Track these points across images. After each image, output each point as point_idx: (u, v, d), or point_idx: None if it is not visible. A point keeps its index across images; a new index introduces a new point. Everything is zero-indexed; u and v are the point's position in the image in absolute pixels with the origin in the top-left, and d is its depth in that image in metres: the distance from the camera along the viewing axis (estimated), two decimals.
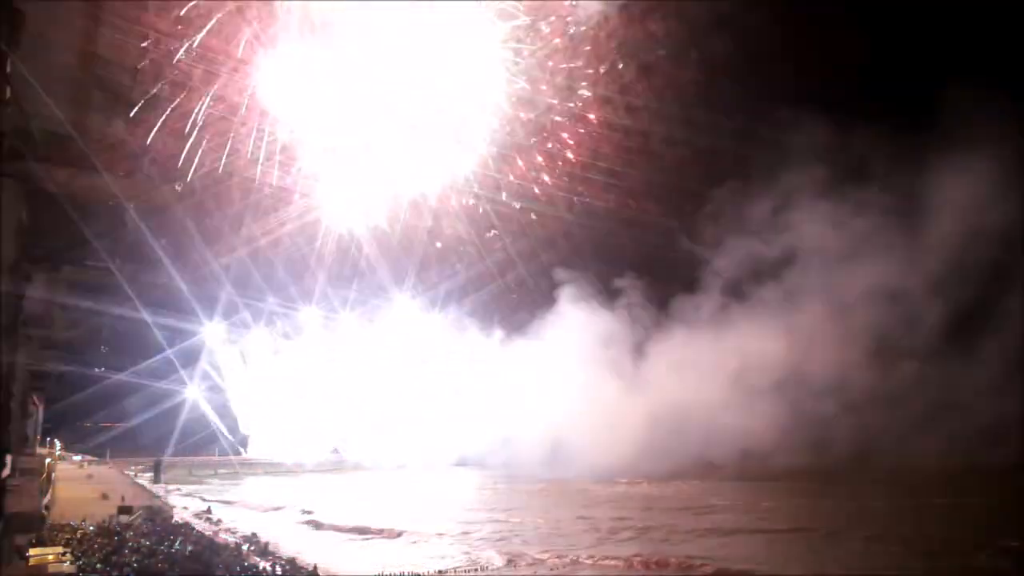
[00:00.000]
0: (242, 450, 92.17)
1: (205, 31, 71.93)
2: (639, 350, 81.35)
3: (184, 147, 74.61)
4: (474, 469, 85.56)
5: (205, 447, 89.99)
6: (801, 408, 68.97)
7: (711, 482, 66.68)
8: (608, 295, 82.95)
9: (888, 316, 68.68)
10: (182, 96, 72.90)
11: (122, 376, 74.94)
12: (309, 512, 54.15)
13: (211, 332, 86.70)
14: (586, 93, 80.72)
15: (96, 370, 68.33)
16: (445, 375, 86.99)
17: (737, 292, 76.96)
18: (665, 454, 71.69)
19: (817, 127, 65.68)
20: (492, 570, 36.79)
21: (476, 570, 36.65)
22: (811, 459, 66.35)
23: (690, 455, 72.05)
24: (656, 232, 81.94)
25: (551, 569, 36.56)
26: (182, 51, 71.21)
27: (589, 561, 37.38)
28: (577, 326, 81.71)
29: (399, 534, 45.39)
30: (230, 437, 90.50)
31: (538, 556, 38.38)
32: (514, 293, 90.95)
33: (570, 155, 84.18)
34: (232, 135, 77.03)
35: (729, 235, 75.77)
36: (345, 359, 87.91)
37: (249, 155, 78.07)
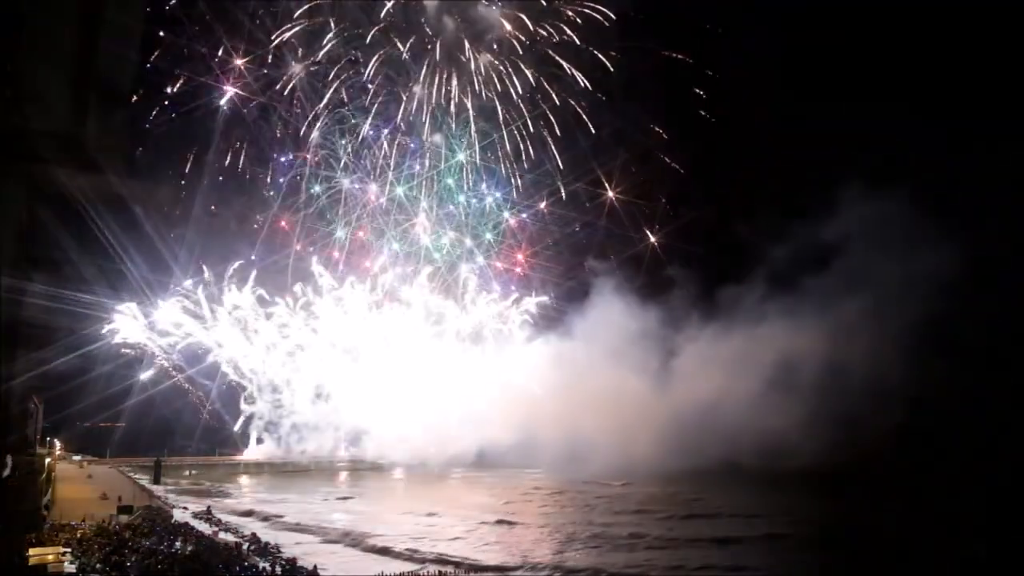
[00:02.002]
0: (254, 449, 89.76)
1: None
2: (668, 345, 79.71)
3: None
4: (489, 469, 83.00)
5: (212, 447, 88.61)
6: (832, 407, 66.56)
7: (724, 484, 65.05)
8: (641, 286, 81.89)
9: (934, 310, 64.36)
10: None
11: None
12: (279, 516, 53.75)
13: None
14: None
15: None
16: (466, 371, 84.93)
17: (776, 285, 74.36)
18: (686, 454, 69.80)
19: (875, 107, 64.54)
20: (491, 570, 37.01)
21: (476, 570, 36.81)
22: (839, 459, 63.60)
23: (714, 455, 69.44)
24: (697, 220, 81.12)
25: None
26: None
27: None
28: (605, 320, 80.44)
29: (358, 543, 44.69)
30: (238, 436, 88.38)
31: (485, 564, 38.19)
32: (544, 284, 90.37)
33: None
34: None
35: (774, 225, 73.00)
36: (363, 356, 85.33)
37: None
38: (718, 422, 70.85)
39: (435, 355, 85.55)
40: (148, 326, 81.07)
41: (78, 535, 38.40)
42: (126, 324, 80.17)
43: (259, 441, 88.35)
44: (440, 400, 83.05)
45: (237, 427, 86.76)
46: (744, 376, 73.92)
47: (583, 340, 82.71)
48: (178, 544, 36.91)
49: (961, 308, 61.77)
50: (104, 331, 77.68)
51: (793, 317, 73.16)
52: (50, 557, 29.36)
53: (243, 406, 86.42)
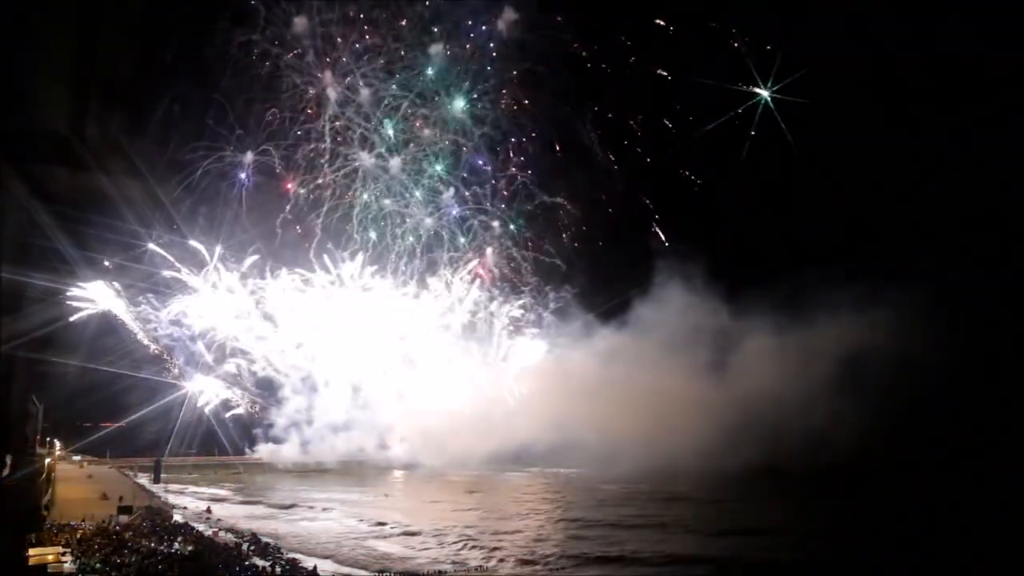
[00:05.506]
0: (276, 449, 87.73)
1: None
2: (724, 339, 75.01)
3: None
4: (522, 469, 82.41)
5: (227, 447, 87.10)
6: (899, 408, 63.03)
7: (737, 485, 64.15)
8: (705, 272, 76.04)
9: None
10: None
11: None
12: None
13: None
14: None
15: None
16: (501, 369, 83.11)
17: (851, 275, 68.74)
18: (721, 455, 67.64)
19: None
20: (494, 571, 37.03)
21: (477, 570, 36.86)
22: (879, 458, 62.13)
23: (754, 455, 67.01)
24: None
25: None
26: None
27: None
28: (659, 312, 77.01)
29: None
30: (255, 436, 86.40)
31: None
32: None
33: None
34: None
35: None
36: (395, 353, 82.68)
37: None
38: (761, 424, 67.47)
39: (470, 351, 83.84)
40: (153, 323, 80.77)
41: (78, 535, 38.41)
42: (129, 323, 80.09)
43: (280, 441, 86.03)
44: (475, 398, 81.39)
45: (258, 426, 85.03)
46: (803, 374, 69.71)
47: (632, 333, 78.97)
48: (178, 544, 36.91)
49: None
50: (107, 330, 77.59)
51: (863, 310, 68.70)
52: (50, 557, 29.35)
53: (264, 405, 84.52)
